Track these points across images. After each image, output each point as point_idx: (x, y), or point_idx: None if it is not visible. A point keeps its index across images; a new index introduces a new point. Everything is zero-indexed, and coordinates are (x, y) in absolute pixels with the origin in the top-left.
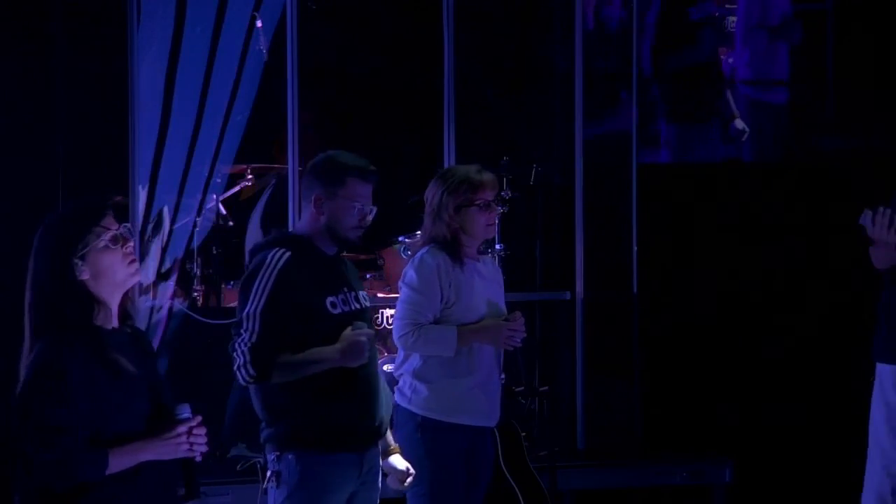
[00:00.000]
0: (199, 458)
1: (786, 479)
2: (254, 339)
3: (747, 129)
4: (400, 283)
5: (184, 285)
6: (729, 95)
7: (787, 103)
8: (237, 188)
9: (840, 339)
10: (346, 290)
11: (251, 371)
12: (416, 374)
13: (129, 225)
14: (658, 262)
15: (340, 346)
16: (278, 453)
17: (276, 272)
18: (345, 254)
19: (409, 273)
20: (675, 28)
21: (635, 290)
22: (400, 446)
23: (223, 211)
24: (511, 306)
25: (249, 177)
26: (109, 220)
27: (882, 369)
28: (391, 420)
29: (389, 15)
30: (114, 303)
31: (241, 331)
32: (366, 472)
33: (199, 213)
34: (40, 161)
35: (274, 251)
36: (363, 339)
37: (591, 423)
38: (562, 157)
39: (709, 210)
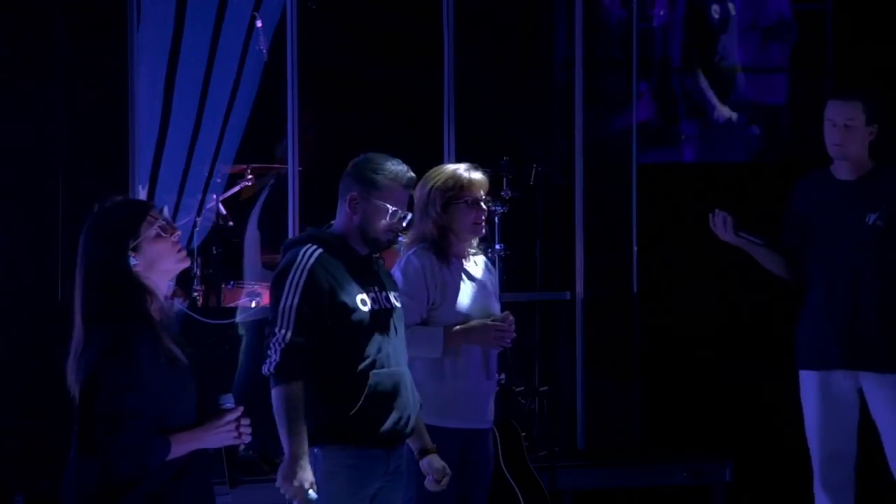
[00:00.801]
0: (242, 448)
1: (786, 479)
2: (287, 337)
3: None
4: None
5: (184, 285)
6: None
7: (786, 104)
8: (237, 188)
9: None
10: (377, 288)
11: (278, 375)
12: None
13: (170, 218)
14: (658, 262)
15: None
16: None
17: (308, 268)
18: None
19: (395, 274)
20: (698, 26)
21: (635, 290)
22: None
23: (223, 211)
24: (511, 306)
25: (249, 177)
26: (156, 213)
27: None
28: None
29: (389, 15)
30: (162, 292)
31: (276, 329)
32: (392, 470)
33: (199, 213)
34: (40, 161)
35: (306, 247)
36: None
37: (590, 423)
38: (562, 157)
39: (709, 210)
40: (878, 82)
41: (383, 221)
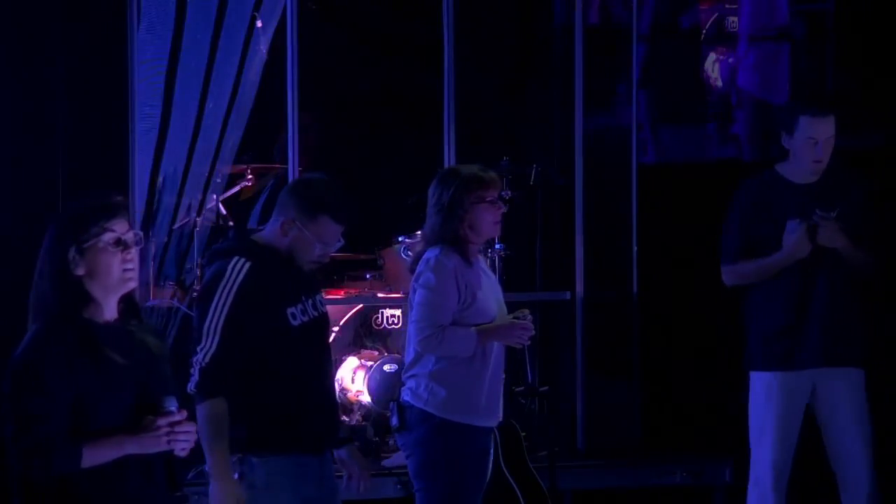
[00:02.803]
0: (181, 453)
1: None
2: (206, 360)
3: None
4: (414, 285)
5: (183, 285)
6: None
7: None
8: (237, 188)
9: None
10: (304, 297)
11: (200, 393)
12: (433, 376)
13: (140, 233)
14: (658, 262)
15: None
16: (240, 455)
17: (237, 285)
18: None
19: (427, 275)
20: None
21: (635, 290)
22: (411, 448)
23: (223, 211)
24: (511, 306)
25: (249, 177)
26: (118, 223)
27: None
28: (403, 422)
29: (389, 15)
30: (106, 301)
31: (198, 347)
32: (325, 475)
33: (199, 213)
34: (40, 161)
35: (234, 260)
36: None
37: (590, 422)
38: (562, 157)
39: (709, 210)
40: (880, 81)
41: (310, 254)
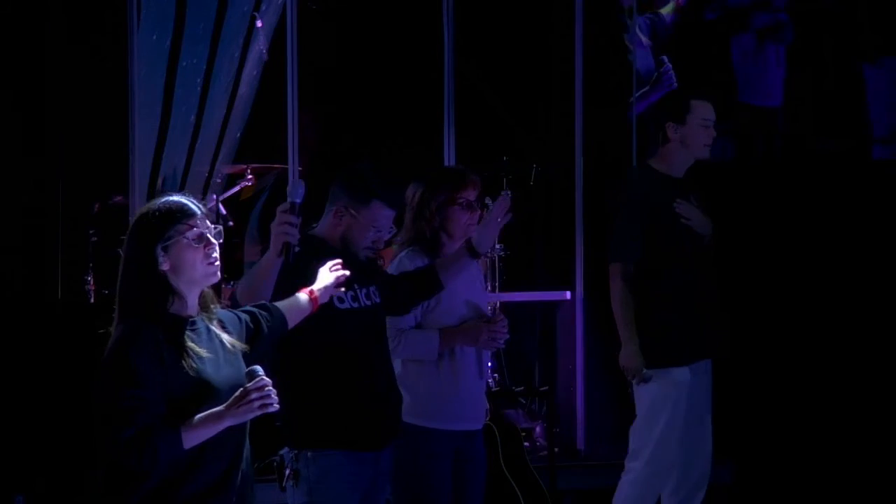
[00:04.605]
0: (273, 410)
1: (786, 479)
2: None
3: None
4: None
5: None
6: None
7: (781, 106)
8: (237, 188)
9: (840, 338)
10: (356, 285)
11: None
12: (400, 381)
13: (220, 228)
14: None
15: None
16: (296, 451)
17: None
18: None
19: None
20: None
21: None
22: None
23: (223, 211)
24: (511, 306)
25: (249, 177)
26: (200, 220)
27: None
28: None
29: (389, 15)
30: (190, 296)
31: None
32: (380, 472)
33: None
34: (40, 161)
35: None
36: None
37: (591, 423)
38: (562, 157)
39: (709, 209)
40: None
41: (365, 239)
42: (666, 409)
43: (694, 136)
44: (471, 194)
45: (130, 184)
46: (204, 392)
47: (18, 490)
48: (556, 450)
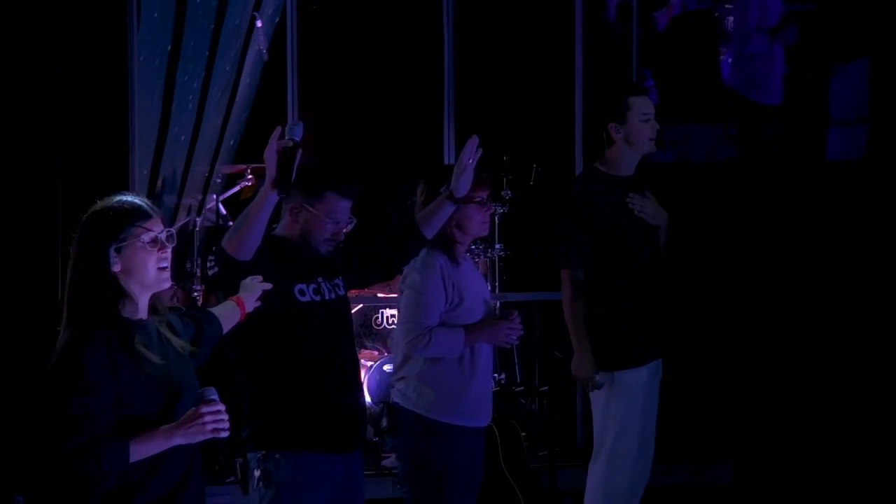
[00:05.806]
0: (222, 436)
1: (786, 479)
2: None
3: None
4: (401, 286)
5: (183, 285)
6: None
7: (782, 104)
8: (237, 188)
9: (840, 338)
10: (319, 278)
11: None
12: (422, 378)
13: (173, 232)
14: None
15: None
16: (263, 452)
17: None
18: None
19: (413, 275)
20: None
21: None
22: (401, 449)
23: (223, 211)
24: (511, 306)
25: (249, 177)
26: (154, 223)
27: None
28: (393, 424)
29: (389, 14)
30: (141, 299)
31: None
32: (351, 475)
33: (199, 213)
34: (40, 161)
35: None
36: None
37: (591, 422)
38: (562, 157)
39: (708, 210)
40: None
41: (323, 233)
42: (620, 411)
43: (637, 133)
44: (484, 192)
45: (130, 184)
46: (155, 397)
47: (18, 490)
48: (556, 450)
